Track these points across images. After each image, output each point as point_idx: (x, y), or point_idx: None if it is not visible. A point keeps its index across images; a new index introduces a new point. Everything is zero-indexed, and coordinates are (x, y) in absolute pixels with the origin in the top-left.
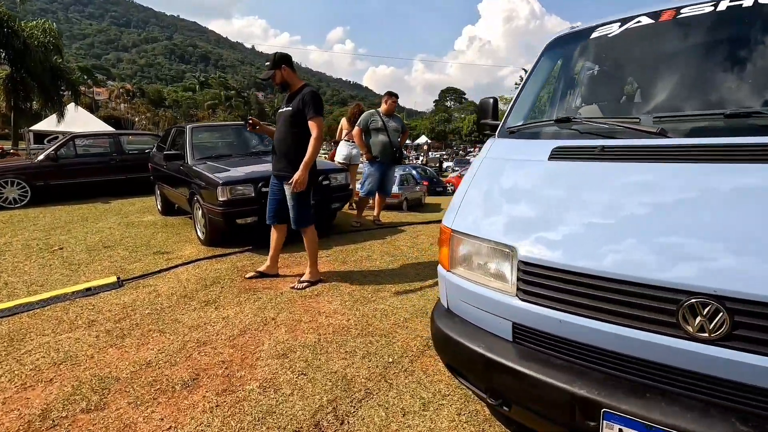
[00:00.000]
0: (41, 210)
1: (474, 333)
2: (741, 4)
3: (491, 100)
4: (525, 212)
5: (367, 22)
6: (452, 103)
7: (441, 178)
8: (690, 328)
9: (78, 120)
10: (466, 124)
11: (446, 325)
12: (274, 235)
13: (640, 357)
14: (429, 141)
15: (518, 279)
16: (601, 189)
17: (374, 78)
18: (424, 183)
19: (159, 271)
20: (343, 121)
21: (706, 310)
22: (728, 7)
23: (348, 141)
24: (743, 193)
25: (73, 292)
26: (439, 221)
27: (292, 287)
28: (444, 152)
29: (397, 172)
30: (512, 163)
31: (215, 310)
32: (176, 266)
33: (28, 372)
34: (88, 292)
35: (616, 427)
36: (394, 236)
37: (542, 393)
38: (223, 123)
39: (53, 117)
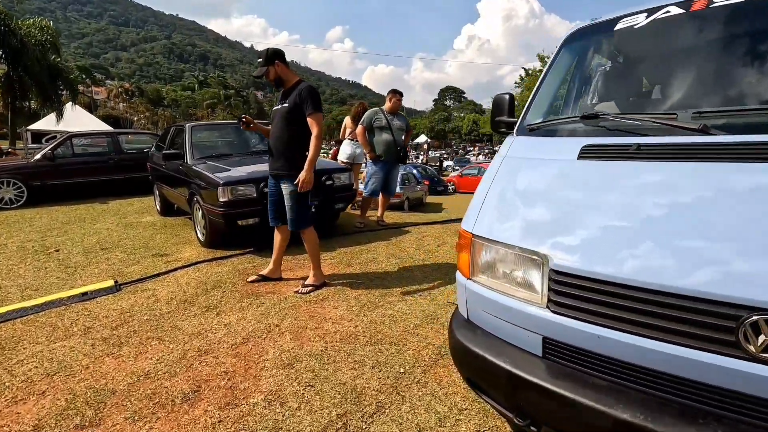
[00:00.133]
0: (38, 211)
1: (498, 346)
2: None
3: (507, 96)
4: (556, 216)
5: (366, 21)
6: (451, 102)
7: (442, 177)
8: (752, 348)
9: (76, 119)
10: (465, 123)
11: (467, 337)
12: (277, 237)
13: (693, 379)
14: (429, 140)
15: (549, 289)
16: (642, 192)
17: (373, 77)
18: (425, 182)
19: (158, 275)
20: (347, 120)
21: None
22: None
23: (352, 140)
24: None
25: (68, 297)
26: (444, 222)
27: (297, 291)
28: (443, 151)
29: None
30: (537, 163)
31: (216, 316)
32: (176, 269)
33: (20, 384)
34: (85, 296)
35: None
36: (399, 237)
37: (579, 416)
38: (223, 122)
39: (51, 116)
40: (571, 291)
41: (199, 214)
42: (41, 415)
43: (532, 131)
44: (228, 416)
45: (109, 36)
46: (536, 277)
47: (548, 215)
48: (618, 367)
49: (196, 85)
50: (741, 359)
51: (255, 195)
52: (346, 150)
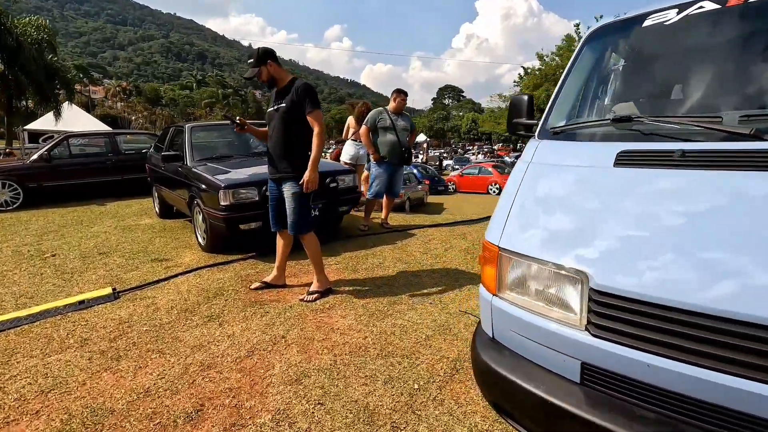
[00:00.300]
0: (34, 213)
1: (529, 370)
2: None
3: (525, 98)
4: (595, 230)
5: (365, 19)
6: (450, 101)
7: (442, 177)
8: None
9: (74, 119)
10: (464, 122)
11: (493, 358)
12: (279, 242)
13: (764, 417)
14: (428, 139)
15: (590, 311)
16: (694, 205)
17: (372, 76)
18: (426, 182)
19: (157, 281)
20: (350, 120)
21: None
22: None
23: (355, 140)
24: None
25: (64, 306)
26: (451, 224)
27: (302, 299)
28: (443, 150)
29: None
30: (568, 170)
31: (219, 327)
32: (176, 275)
33: (12, 403)
34: (82, 305)
35: None
36: (405, 241)
37: None
38: (223, 122)
39: (48, 116)
40: (616, 314)
41: (200, 217)
42: None
43: (556, 134)
44: None
45: (106, 35)
46: (574, 297)
47: (586, 229)
48: (671, 399)
49: (194, 84)
50: None
51: (257, 198)
52: (349, 151)
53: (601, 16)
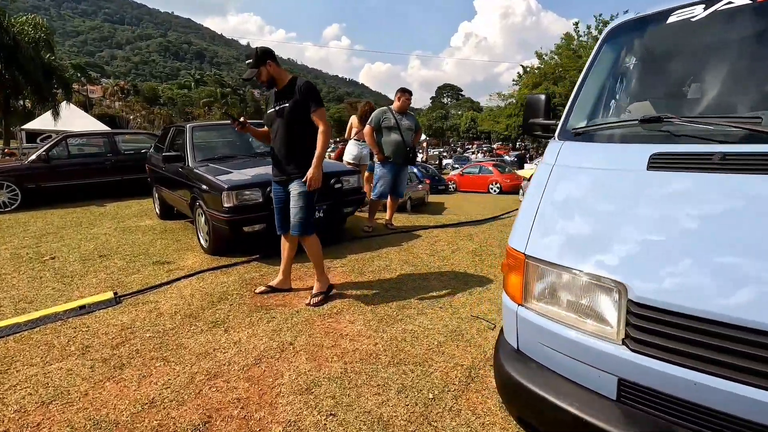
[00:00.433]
0: (32, 214)
1: (560, 385)
2: None
3: (542, 97)
4: (632, 238)
5: (363, 18)
6: (449, 99)
7: (442, 176)
8: None
9: (71, 118)
10: (463, 120)
11: (519, 371)
12: (285, 245)
13: None
14: (427, 138)
15: (628, 324)
16: (740, 211)
17: (370, 74)
18: (426, 181)
19: (160, 285)
20: (353, 119)
21: None
22: None
23: (358, 140)
24: None
25: (65, 311)
26: (456, 225)
27: (308, 304)
28: (442, 149)
29: None
30: (597, 174)
31: (225, 333)
32: (178, 279)
33: (12, 415)
34: (82, 310)
35: None
36: (410, 242)
37: None
38: (225, 122)
39: (46, 115)
40: (659, 328)
41: (202, 219)
42: None
43: (578, 135)
44: None
45: (104, 34)
46: (610, 309)
47: (622, 236)
48: (721, 421)
49: (193, 84)
50: None
51: (261, 200)
52: (351, 151)
53: (626, 11)
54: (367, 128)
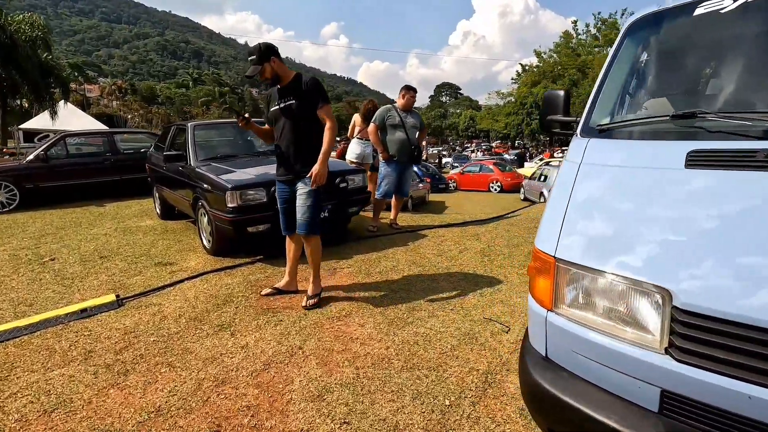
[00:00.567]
0: (31, 215)
1: (595, 396)
2: None
3: (561, 93)
4: (675, 241)
5: (362, 17)
6: (447, 98)
7: (442, 175)
8: None
9: (69, 117)
10: (462, 119)
11: (549, 380)
12: (290, 246)
13: None
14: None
15: (672, 332)
16: None
17: (369, 73)
18: (427, 180)
19: (163, 287)
20: (356, 118)
21: None
22: None
23: (361, 139)
24: None
25: (66, 314)
26: (461, 224)
27: (304, 306)
28: (441, 148)
29: None
30: (630, 172)
31: (231, 337)
32: (182, 281)
33: (13, 424)
34: (84, 313)
35: None
36: (416, 243)
37: None
38: (227, 120)
39: (44, 114)
40: (708, 337)
41: (205, 219)
42: None
43: (603, 132)
44: None
45: (101, 33)
46: (652, 316)
47: (663, 239)
48: None
49: (191, 83)
50: None
51: (266, 200)
52: (355, 149)
53: (625, 9)
54: (371, 126)
